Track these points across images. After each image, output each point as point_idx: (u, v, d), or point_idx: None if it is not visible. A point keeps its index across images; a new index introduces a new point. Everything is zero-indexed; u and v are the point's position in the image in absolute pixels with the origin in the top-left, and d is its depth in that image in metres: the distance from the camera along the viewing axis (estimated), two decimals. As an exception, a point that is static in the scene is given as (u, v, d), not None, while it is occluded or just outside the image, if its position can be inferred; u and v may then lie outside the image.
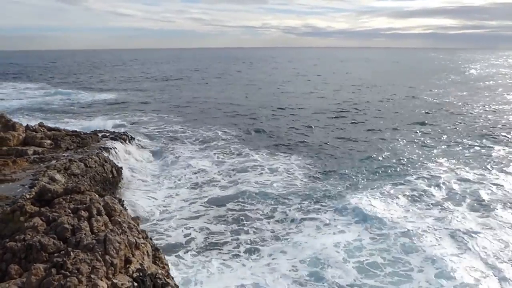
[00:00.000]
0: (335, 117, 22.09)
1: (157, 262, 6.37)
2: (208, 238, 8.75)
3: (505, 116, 22.16)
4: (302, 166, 13.52)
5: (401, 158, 14.34)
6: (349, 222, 9.35)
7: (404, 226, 8.98)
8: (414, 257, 7.84)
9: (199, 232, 8.99)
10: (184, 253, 8.11)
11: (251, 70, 61.26)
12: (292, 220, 9.59)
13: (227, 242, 8.58)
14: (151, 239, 7.00)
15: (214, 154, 14.85)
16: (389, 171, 12.96)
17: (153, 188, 11.58)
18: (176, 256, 7.95)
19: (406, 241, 8.41)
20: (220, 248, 8.34)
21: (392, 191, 11.20)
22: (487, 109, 24.78)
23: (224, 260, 7.87)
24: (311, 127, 19.71)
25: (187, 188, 11.66)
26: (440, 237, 8.60)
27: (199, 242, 8.54)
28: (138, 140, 15.59)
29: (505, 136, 17.65)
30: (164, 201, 10.71)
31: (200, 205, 10.46)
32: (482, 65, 79.53)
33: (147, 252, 6.07)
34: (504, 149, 15.53)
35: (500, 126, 19.79)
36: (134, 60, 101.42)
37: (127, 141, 14.39)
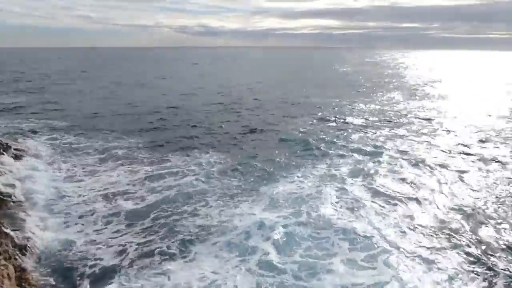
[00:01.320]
0: (234, 112, 21.96)
1: (23, 284, 5.67)
2: (140, 252, 7.68)
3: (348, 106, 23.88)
4: (218, 162, 12.84)
5: (309, 144, 14.90)
6: (265, 208, 9.44)
7: (316, 204, 9.50)
8: (326, 230, 8.34)
9: (130, 248, 7.78)
10: (121, 276, 6.90)
11: (143, 71, 58.04)
12: (215, 216, 9.11)
13: (161, 250, 7.72)
14: (15, 259, 6.11)
15: (121, 163, 12.81)
16: (299, 158, 13.20)
17: (50, 208, 9.49)
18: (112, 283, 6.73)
19: (319, 216, 8.90)
20: (153, 258, 7.51)
21: (303, 175, 11.54)
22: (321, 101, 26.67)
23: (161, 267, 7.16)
24: (212, 122, 19.20)
25: (99, 202, 9.85)
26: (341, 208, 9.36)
27: (134, 258, 7.44)
28: (17, 150, 12.96)
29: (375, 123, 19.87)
30: (68, 221, 8.87)
31: (119, 222, 8.91)
32: (354, 63, 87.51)
33: (8, 275, 5.30)
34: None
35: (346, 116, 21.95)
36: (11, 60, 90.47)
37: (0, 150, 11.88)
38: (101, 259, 7.36)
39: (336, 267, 7.09)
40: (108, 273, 6.97)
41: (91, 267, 7.15)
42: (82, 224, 8.78)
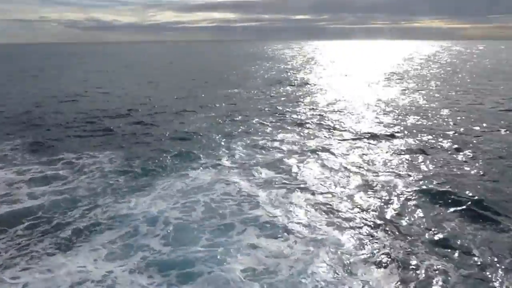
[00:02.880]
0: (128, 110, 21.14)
1: None
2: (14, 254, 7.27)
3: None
4: (112, 161, 12.39)
5: (202, 138, 14.99)
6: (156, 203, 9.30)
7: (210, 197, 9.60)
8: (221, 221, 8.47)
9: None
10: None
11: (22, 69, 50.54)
12: (102, 215, 8.80)
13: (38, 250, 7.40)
14: None
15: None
16: (192, 153, 13.14)
17: None
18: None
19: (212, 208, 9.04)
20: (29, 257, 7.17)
21: (197, 168, 11.59)
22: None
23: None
24: (103, 120, 18.55)
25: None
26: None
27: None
28: None
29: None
30: None
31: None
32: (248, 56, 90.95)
33: None
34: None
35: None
36: None
37: None
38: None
39: (234, 262, 6.96)
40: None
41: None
42: None
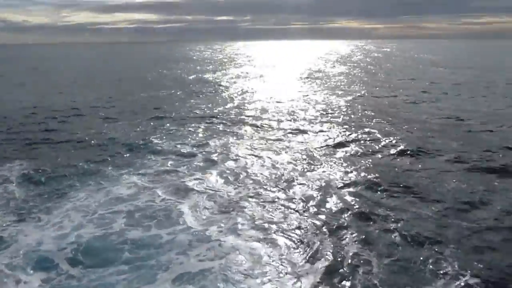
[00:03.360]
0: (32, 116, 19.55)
1: None
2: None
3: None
4: (20, 175, 10.99)
5: (119, 147, 13.77)
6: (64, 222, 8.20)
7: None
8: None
9: None
10: None
11: None
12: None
13: None
14: None
15: None
16: (107, 163, 12.05)
17: None
18: None
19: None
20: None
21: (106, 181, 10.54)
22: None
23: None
24: (12, 129, 16.79)
25: None
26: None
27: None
28: None
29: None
30: None
31: None
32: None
33: None
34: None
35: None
36: None
37: None
38: None
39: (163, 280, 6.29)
40: None
41: None
42: None
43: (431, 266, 6.60)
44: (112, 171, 11.20)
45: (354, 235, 7.65)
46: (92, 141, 14.58)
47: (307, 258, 6.89)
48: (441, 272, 6.43)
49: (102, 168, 11.44)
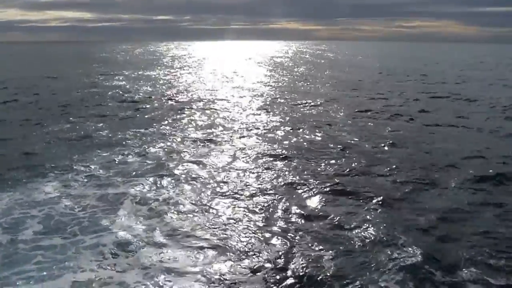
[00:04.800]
0: None
1: None
2: None
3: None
4: None
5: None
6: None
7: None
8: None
9: None
10: None
11: None
12: None
13: None
14: None
15: None
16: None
17: None
18: None
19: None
20: None
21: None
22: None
23: None
24: None
25: None
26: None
27: None
28: None
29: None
30: None
31: None
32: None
33: None
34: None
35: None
36: None
37: None
38: None
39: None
40: None
41: None
42: None
43: (381, 265, 6.72)
44: (33, 175, 10.64)
45: (305, 236, 7.68)
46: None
47: (238, 267, 6.66)
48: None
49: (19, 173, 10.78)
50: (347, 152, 13.35)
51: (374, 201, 9.34)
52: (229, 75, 42.21)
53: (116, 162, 11.98)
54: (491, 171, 11.33)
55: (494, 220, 8.57)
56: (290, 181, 10.60)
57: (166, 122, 18.22)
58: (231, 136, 15.53)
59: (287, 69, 52.70)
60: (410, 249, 7.18)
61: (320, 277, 6.36)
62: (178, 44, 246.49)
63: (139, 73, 44.52)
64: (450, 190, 10.17)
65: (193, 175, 10.98)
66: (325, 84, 34.08)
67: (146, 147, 13.75)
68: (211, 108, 21.83)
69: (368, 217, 8.53)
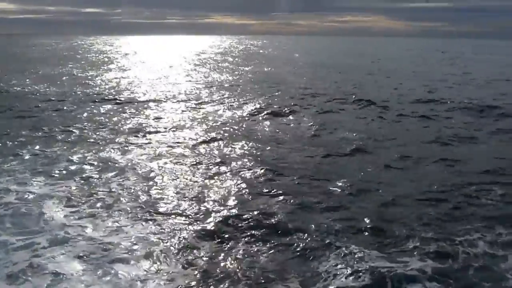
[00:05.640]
0: None
1: None
2: None
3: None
4: None
5: None
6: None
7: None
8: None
9: None
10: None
11: None
12: None
13: None
14: None
15: None
16: None
17: None
18: None
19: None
20: None
21: None
22: None
23: None
24: None
25: None
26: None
27: None
28: None
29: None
30: None
31: None
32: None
33: None
34: None
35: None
36: None
37: None
38: None
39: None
40: None
41: None
42: None
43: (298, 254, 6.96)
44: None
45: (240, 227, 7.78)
46: None
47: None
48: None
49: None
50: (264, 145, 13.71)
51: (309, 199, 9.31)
52: (151, 70, 41.02)
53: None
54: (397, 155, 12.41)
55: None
56: (216, 176, 10.67)
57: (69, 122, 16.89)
58: (144, 135, 14.90)
59: (213, 64, 52.06)
60: (345, 238, 7.44)
61: (253, 274, 6.31)
62: (107, 38, 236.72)
63: (47, 71, 40.03)
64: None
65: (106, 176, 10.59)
66: (246, 78, 33.93)
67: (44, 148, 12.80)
68: (119, 105, 20.95)
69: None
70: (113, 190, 9.64)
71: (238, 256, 6.85)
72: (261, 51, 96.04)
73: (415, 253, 6.97)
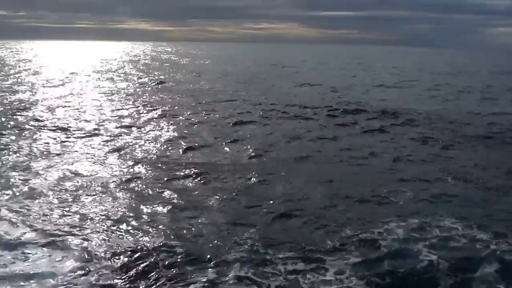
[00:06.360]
0: None
1: None
2: None
3: None
4: None
5: None
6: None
7: None
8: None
9: None
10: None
11: None
12: None
13: None
14: None
15: None
16: None
17: None
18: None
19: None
20: None
21: None
22: None
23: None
24: None
25: None
26: None
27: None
28: None
29: None
30: None
31: None
32: None
33: None
34: None
35: None
36: None
37: None
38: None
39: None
40: None
41: None
42: None
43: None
44: None
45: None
46: None
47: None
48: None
49: None
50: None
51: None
52: (43, 78, 38.91)
53: None
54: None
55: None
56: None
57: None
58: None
59: (112, 71, 50.64)
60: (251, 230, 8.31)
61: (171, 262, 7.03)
62: (5, 42, 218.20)
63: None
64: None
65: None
66: (143, 87, 33.72)
67: None
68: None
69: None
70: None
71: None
72: (173, 57, 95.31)
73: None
